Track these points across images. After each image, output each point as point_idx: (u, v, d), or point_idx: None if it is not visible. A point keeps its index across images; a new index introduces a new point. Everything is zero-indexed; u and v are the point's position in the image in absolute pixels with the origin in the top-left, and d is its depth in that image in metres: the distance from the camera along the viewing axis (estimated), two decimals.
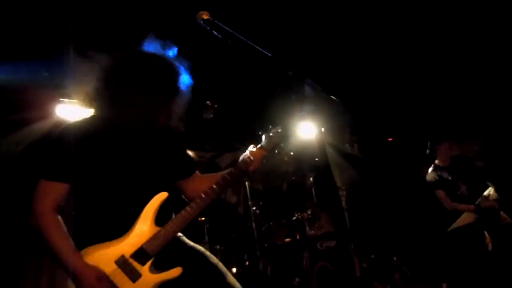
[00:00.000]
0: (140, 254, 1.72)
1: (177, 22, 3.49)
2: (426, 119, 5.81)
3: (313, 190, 4.90)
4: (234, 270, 4.34)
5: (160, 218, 1.79)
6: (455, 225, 4.03)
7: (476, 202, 3.99)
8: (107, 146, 1.79)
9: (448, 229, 4.07)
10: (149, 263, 1.73)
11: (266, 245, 4.55)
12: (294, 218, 4.67)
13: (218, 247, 4.26)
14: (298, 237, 4.57)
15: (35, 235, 1.71)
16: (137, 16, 3.61)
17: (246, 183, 4.64)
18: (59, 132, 1.79)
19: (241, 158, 2.03)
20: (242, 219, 4.92)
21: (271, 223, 4.70)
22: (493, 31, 4.68)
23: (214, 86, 4.70)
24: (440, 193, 4.20)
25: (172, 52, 1.94)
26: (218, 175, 1.99)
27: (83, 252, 1.69)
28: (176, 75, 1.87)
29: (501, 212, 4.02)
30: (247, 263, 4.53)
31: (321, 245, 4.44)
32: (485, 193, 4.02)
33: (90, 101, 1.87)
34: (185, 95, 1.91)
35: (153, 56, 1.87)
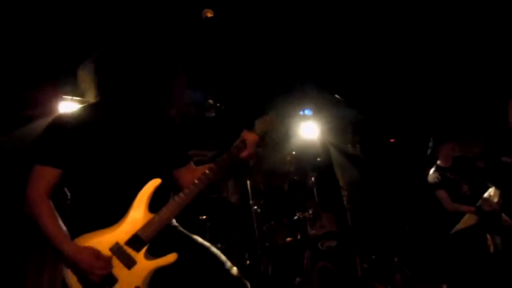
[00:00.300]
0: (135, 241, 1.72)
1: (182, 20, 3.50)
2: (428, 120, 5.80)
3: (314, 190, 4.91)
4: (234, 268, 4.33)
5: (154, 204, 1.79)
6: (458, 227, 4.02)
7: (477, 204, 3.98)
8: (101, 133, 1.80)
9: (451, 232, 4.06)
10: (144, 249, 1.73)
11: (267, 244, 4.55)
12: (296, 217, 4.68)
13: (219, 245, 4.26)
14: (299, 237, 4.57)
15: (31, 224, 1.70)
16: (142, 14, 3.61)
17: (248, 182, 4.64)
18: (54, 118, 1.80)
19: (234, 143, 2.02)
20: (244, 218, 4.91)
21: (272, 222, 4.71)
22: (497, 32, 4.66)
23: (216, 85, 4.70)
24: (442, 193, 4.19)
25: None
26: (212, 164, 1.98)
27: (77, 240, 1.69)
28: (171, 62, 1.88)
29: (503, 214, 4.01)
30: (248, 262, 4.53)
31: (322, 245, 4.44)
32: (485, 194, 4.01)
33: (86, 89, 1.87)
34: (183, 81, 1.90)
35: (147, 43, 1.87)
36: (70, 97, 3.86)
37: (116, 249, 1.70)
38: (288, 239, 4.63)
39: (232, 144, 2.02)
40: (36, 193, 1.69)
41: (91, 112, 1.83)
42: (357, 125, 6.32)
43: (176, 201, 1.83)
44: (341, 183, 5.26)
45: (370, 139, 6.46)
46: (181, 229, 1.96)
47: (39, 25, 3.48)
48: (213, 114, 4.07)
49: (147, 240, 1.74)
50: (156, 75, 1.82)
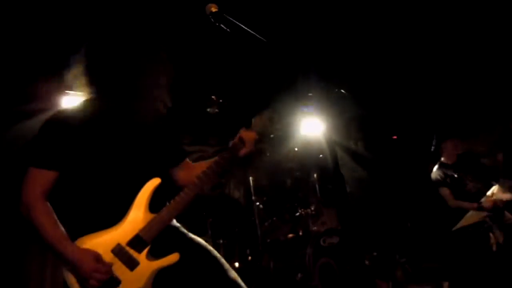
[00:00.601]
0: (137, 242, 1.70)
1: (185, 15, 3.49)
2: (432, 117, 5.78)
3: (317, 186, 4.90)
4: (236, 264, 4.35)
5: (154, 204, 1.78)
6: (460, 224, 4.02)
7: (480, 201, 3.98)
8: (97, 133, 1.77)
9: (453, 229, 4.05)
10: (146, 250, 1.72)
11: (269, 240, 4.55)
12: (298, 214, 4.67)
13: (221, 241, 4.27)
14: (301, 233, 4.57)
15: (26, 225, 1.67)
16: (143, 10, 3.60)
17: (250, 178, 4.64)
18: (49, 119, 1.75)
19: (232, 142, 2.00)
20: (246, 214, 4.92)
21: (274, 218, 4.71)
22: (500, 29, 4.64)
23: (219, 81, 4.69)
24: (445, 190, 4.18)
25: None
26: (210, 161, 1.96)
27: (77, 242, 1.67)
28: (161, 54, 1.83)
29: (505, 212, 4.00)
30: (249, 258, 4.54)
31: (324, 241, 4.44)
32: (489, 192, 4.00)
33: (81, 88, 1.83)
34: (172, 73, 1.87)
35: (136, 37, 1.81)
36: (73, 91, 3.85)
37: (118, 250, 1.68)
38: (290, 235, 4.63)
39: (231, 142, 2.01)
40: (32, 197, 1.66)
41: (86, 111, 1.79)
42: (360, 122, 6.31)
43: (177, 201, 1.81)
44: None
45: (373, 136, 6.45)
46: (182, 229, 1.95)
47: (42, 20, 3.47)
48: (216, 110, 4.07)
49: (149, 241, 1.72)
50: (144, 69, 1.77)
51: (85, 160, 1.73)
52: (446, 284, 4.30)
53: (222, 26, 1.68)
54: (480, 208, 3.95)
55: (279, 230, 4.71)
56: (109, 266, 1.65)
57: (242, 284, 1.84)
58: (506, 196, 3.92)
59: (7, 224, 3.46)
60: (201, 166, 1.98)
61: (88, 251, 1.63)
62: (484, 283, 3.82)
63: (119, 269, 1.67)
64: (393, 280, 4.58)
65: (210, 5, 1.71)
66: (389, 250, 4.96)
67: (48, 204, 1.70)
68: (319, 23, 4.44)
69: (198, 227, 4.08)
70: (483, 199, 3.98)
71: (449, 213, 4.16)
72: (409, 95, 5.77)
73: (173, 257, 1.75)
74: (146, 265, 1.71)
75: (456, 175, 4.20)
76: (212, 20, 1.69)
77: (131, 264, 1.69)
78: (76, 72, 1.79)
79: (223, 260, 1.88)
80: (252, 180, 4.65)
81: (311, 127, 5.25)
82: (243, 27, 1.69)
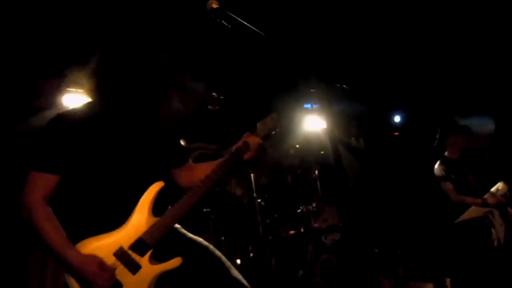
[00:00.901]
0: (139, 245, 1.70)
1: (186, 12, 3.48)
2: (435, 111, 5.77)
3: (318, 183, 4.90)
4: (238, 261, 4.35)
5: (158, 208, 1.77)
6: (462, 217, 4.00)
7: (484, 197, 3.96)
8: (100, 136, 1.75)
9: (455, 221, 4.04)
10: (148, 254, 1.71)
11: (270, 237, 4.56)
12: (299, 210, 4.68)
13: (222, 238, 4.27)
14: (302, 230, 4.58)
15: (27, 229, 1.66)
16: (144, 7, 3.59)
17: (252, 175, 4.64)
18: (50, 122, 1.73)
19: (236, 146, 2.00)
20: (247, 211, 4.92)
21: (275, 215, 4.71)
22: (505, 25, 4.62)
23: (220, 78, 4.68)
24: (448, 185, 4.16)
25: None
26: (213, 163, 1.96)
27: (79, 245, 1.65)
28: (167, 67, 1.84)
29: (509, 208, 3.99)
30: (251, 255, 4.54)
31: (325, 237, 4.45)
32: (493, 188, 3.99)
33: (85, 91, 1.84)
34: (179, 85, 1.89)
35: (144, 48, 1.82)
36: (74, 89, 3.85)
37: (120, 254, 1.67)
38: (292, 232, 4.64)
39: (234, 141, 2.01)
40: (34, 201, 1.64)
41: (88, 114, 1.78)
42: (361, 119, 6.30)
43: (180, 204, 1.80)
44: None
45: (374, 133, 6.45)
46: (183, 231, 1.94)
47: (42, 19, 3.47)
48: (217, 107, 4.06)
49: (152, 244, 1.72)
50: (151, 74, 1.77)
51: (87, 163, 1.72)
52: (448, 280, 4.29)
53: (223, 22, 1.67)
54: (485, 204, 3.93)
55: (281, 227, 4.72)
56: (113, 272, 1.64)
57: (245, 282, 1.84)
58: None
59: (8, 224, 3.46)
60: (203, 167, 1.98)
61: (91, 257, 1.62)
62: (485, 279, 3.81)
63: (121, 273, 1.67)
64: (395, 276, 4.58)
65: (211, 1, 1.70)
66: (390, 246, 4.96)
67: (50, 209, 1.68)
68: (321, 19, 4.42)
69: (200, 225, 4.09)
70: (487, 195, 3.97)
71: (451, 209, 4.14)
72: (411, 91, 5.76)
73: (175, 261, 1.74)
74: (149, 269, 1.71)
75: (459, 170, 4.18)
76: (213, 16, 1.68)
77: (134, 267, 1.68)
78: (82, 75, 1.79)
79: (224, 259, 1.88)
80: (254, 177, 4.65)
81: (312, 124, 5.24)
82: (245, 23, 1.68)
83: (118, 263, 1.67)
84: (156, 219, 1.75)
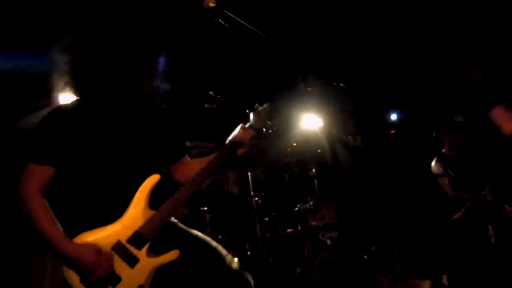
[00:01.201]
0: (136, 239, 1.70)
1: (182, 10, 3.47)
2: (431, 109, 5.78)
3: (315, 181, 4.90)
4: (235, 260, 4.36)
5: (154, 201, 1.77)
6: (459, 214, 4.00)
7: (482, 193, 3.97)
8: (95, 128, 1.76)
9: (452, 218, 4.05)
10: (145, 247, 1.72)
11: (268, 235, 4.56)
12: (296, 209, 4.68)
13: (220, 237, 4.27)
14: (300, 228, 4.58)
15: (25, 223, 1.66)
16: (140, 6, 3.57)
17: (249, 173, 4.64)
18: (46, 115, 1.75)
19: (230, 138, 2.01)
20: (244, 209, 4.92)
21: (273, 213, 4.71)
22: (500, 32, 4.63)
23: (217, 76, 4.68)
24: (444, 180, 4.17)
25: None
26: (208, 157, 1.96)
27: (75, 239, 1.65)
28: (142, 40, 1.82)
29: (506, 205, 4.00)
30: (249, 253, 4.54)
31: (322, 236, 4.45)
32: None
33: (70, 87, 1.81)
34: (157, 59, 1.87)
35: (114, 26, 1.80)
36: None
37: (118, 247, 1.68)
38: (289, 230, 4.64)
39: (229, 140, 2.01)
40: (30, 192, 1.65)
41: (83, 107, 1.78)
42: (358, 116, 6.31)
43: (176, 198, 1.81)
44: None
45: (371, 131, 6.46)
46: (181, 225, 1.95)
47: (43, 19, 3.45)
48: (214, 106, 4.05)
49: (149, 238, 1.72)
50: (131, 62, 1.77)
51: (82, 155, 1.72)
52: (445, 277, 4.31)
53: (220, 21, 1.67)
54: (482, 200, 3.94)
55: (278, 225, 4.72)
56: (110, 258, 1.64)
57: (246, 273, 1.87)
58: None
59: (7, 224, 3.46)
60: (199, 162, 1.98)
61: (88, 245, 1.62)
62: (483, 276, 3.83)
63: (119, 266, 1.67)
64: (392, 274, 4.60)
65: (207, 0, 1.70)
66: (388, 244, 4.97)
67: (45, 201, 1.69)
68: (318, 17, 4.42)
69: (198, 223, 4.09)
70: (484, 191, 3.98)
71: (448, 207, 4.16)
72: (408, 89, 5.77)
73: (172, 254, 1.75)
74: (146, 262, 1.71)
75: (455, 167, 4.19)
76: (210, 15, 1.68)
77: (131, 261, 1.68)
78: (61, 73, 1.78)
79: (224, 252, 1.88)
80: (251, 176, 4.65)
81: (309, 121, 5.24)
82: (241, 21, 1.68)
83: (116, 256, 1.67)
84: (153, 212, 1.76)
